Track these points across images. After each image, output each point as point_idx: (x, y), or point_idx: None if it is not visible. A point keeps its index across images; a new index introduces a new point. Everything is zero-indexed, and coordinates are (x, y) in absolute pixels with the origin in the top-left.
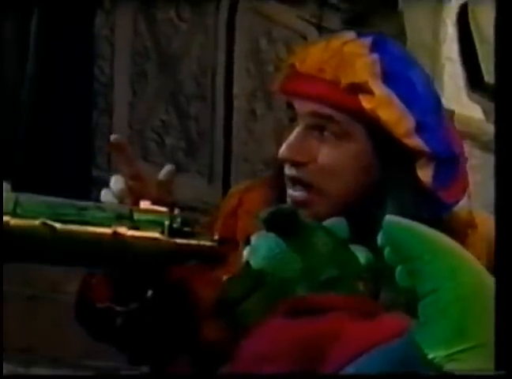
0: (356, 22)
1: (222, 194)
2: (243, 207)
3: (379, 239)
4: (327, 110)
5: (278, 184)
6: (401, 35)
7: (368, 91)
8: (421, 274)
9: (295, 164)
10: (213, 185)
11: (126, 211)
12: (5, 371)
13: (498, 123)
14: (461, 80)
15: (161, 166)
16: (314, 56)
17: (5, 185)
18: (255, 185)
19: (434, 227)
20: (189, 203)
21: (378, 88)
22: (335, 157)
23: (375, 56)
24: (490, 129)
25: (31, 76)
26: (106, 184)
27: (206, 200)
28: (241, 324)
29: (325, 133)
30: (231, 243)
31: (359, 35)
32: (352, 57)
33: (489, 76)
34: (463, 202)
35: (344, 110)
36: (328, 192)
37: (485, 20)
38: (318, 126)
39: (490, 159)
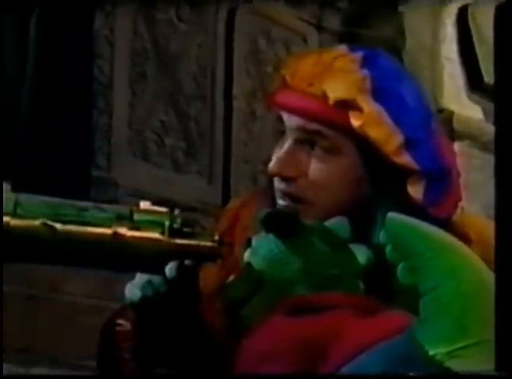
0: (356, 22)
1: (222, 195)
2: (240, 223)
3: (381, 237)
4: (315, 126)
5: (272, 196)
6: (401, 35)
7: (357, 108)
8: (422, 271)
9: (285, 179)
10: (213, 186)
11: (126, 211)
12: (5, 371)
13: (497, 123)
14: (461, 80)
15: (161, 167)
16: (304, 70)
17: (5, 186)
18: (250, 199)
19: None
20: (189, 203)
21: (367, 105)
22: (325, 171)
23: (365, 72)
24: (489, 129)
25: (31, 77)
26: (106, 184)
27: (206, 200)
28: (244, 326)
29: (315, 148)
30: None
31: (351, 49)
32: (341, 72)
33: (489, 76)
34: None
35: (332, 126)
36: (317, 205)
37: (484, 21)
38: (308, 141)
39: (490, 160)
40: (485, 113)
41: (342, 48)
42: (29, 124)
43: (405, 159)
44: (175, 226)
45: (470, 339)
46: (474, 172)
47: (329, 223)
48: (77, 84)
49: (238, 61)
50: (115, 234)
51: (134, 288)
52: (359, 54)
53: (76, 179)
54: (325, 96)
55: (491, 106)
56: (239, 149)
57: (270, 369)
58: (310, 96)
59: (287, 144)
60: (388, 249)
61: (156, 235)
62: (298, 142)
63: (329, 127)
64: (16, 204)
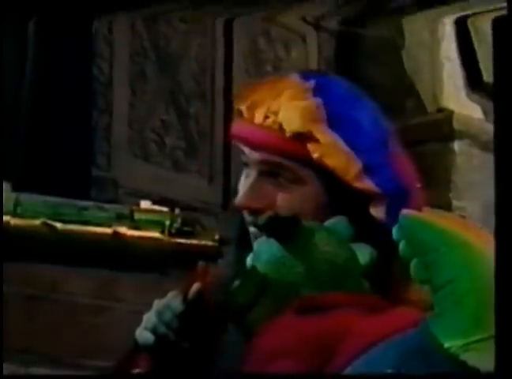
0: (355, 22)
1: (222, 194)
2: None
3: (394, 233)
4: (276, 158)
5: None
6: (400, 34)
7: (313, 139)
8: (437, 266)
9: (254, 211)
10: (213, 185)
11: (126, 211)
12: (5, 371)
13: (497, 123)
14: (461, 79)
15: (161, 166)
16: (258, 103)
17: (5, 185)
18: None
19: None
20: (189, 203)
21: (323, 135)
22: (291, 201)
23: (319, 100)
24: (489, 128)
25: (30, 77)
26: (106, 184)
27: (206, 200)
28: (251, 330)
29: (280, 179)
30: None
31: (303, 77)
32: (295, 103)
33: (488, 75)
34: None
35: (292, 158)
36: None
37: (484, 20)
38: (272, 172)
39: (490, 159)
40: (485, 112)
41: (294, 77)
42: (29, 124)
43: (366, 184)
44: (176, 225)
45: (485, 333)
46: (474, 172)
47: (328, 223)
48: (77, 84)
49: (237, 60)
50: (116, 233)
51: (145, 332)
52: (311, 83)
53: (76, 179)
54: (282, 129)
55: (490, 105)
56: (239, 148)
57: (281, 367)
58: (268, 129)
59: (251, 176)
60: (401, 245)
61: (156, 235)
62: (262, 174)
63: (289, 159)
64: (17, 203)
